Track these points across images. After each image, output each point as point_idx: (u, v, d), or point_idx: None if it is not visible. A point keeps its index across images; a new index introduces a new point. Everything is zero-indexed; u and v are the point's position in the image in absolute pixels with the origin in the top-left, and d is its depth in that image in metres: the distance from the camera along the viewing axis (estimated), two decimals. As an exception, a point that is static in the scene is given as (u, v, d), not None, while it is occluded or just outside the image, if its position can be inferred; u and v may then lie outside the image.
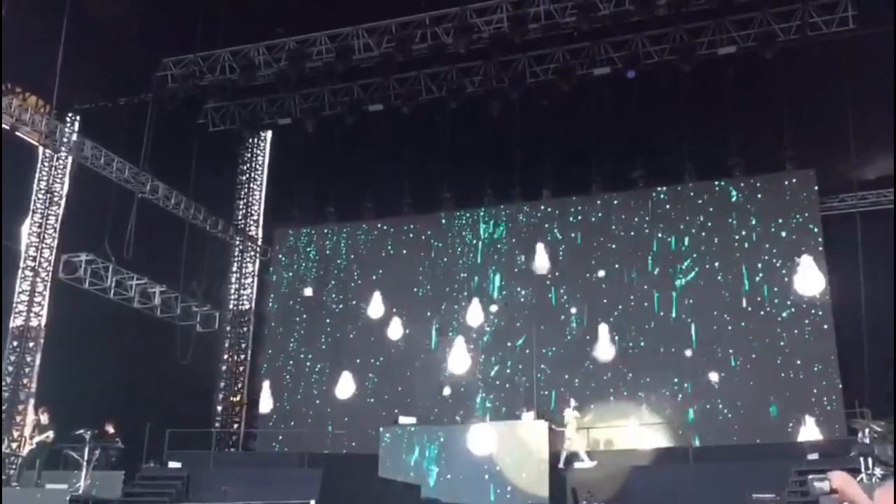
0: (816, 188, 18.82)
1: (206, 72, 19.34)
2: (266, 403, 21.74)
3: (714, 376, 18.31)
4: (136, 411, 17.94)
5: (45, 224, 19.31)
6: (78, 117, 20.13)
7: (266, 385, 21.83)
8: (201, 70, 19.28)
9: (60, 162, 19.67)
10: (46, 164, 19.64)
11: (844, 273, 17.04)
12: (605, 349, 19.12)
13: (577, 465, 16.10)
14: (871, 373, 15.51)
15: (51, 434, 15.02)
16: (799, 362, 17.73)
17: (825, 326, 17.80)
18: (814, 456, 14.24)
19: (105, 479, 15.03)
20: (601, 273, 19.68)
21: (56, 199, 19.61)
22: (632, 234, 19.88)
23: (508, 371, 19.86)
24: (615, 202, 20.25)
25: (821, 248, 18.27)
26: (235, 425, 22.39)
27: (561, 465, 16.07)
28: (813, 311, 18.01)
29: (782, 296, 18.29)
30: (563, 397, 18.34)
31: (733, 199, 19.40)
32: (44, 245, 19.19)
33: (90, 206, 18.87)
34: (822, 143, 18.15)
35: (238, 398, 22.39)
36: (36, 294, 18.84)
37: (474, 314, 20.08)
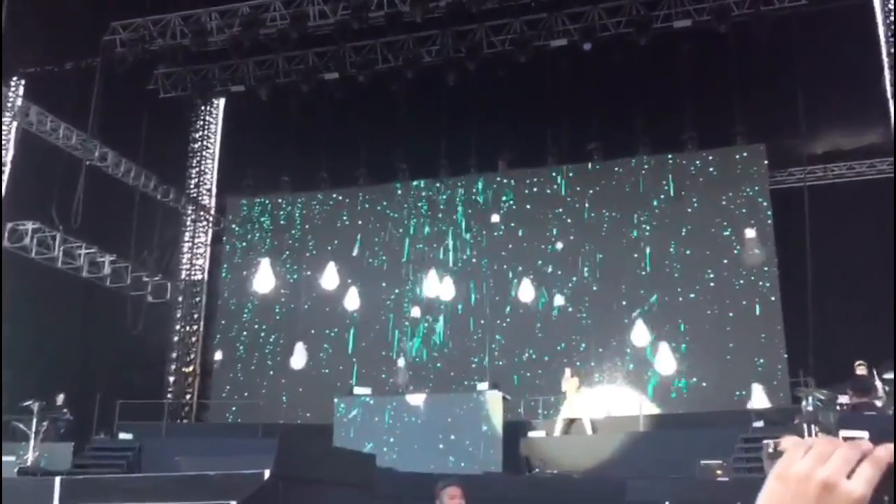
0: (766, 162, 19.17)
1: (157, 36, 18.89)
2: (219, 374, 21.59)
3: (664, 346, 18.66)
4: (86, 382, 17.73)
5: (-11, 191, 18.78)
6: (23, 81, 19.54)
7: (219, 356, 21.66)
8: (151, 34, 18.83)
9: (5, 128, 19.10)
10: (-10, 129, 19.06)
11: (792, 246, 17.43)
12: (560, 321, 19.34)
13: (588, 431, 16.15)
14: (815, 343, 15.95)
15: (-3, 406, 14.76)
16: (746, 333, 18.15)
17: (772, 298, 18.23)
18: (759, 423, 14.61)
19: (54, 450, 14.85)
20: (558, 245, 19.85)
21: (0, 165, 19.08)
22: (587, 205, 20.05)
23: (463, 341, 19.98)
24: (571, 174, 20.38)
25: (769, 221, 18.65)
26: (188, 396, 22.21)
27: (557, 434, 16.22)
28: (761, 284, 18.41)
29: (731, 268, 18.66)
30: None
31: (686, 173, 19.66)
32: (-12, 213, 18.68)
33: (36, 174, 18.40)
34: (772, 118, 18.46)
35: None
36: (-20, 263, 18.35)
37: (430, 285, 20.12)
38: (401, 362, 19.98)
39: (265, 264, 21.59)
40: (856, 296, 16.77)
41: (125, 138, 19.01)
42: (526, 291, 19.77)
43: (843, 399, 13.25)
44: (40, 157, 18.29)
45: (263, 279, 21.47)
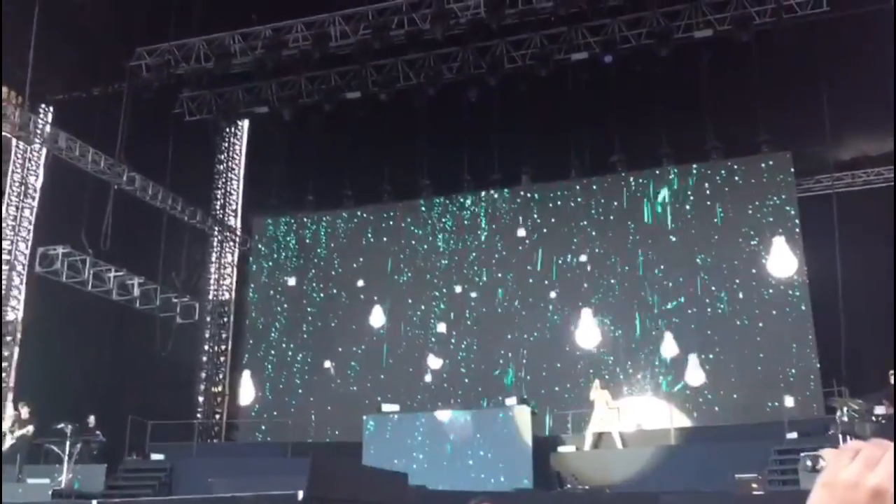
0: (793, 170, 18.99)
1: (181, 60, 19.13)
2: (248, 394, 21.68)
3: (693, 358, 18.49)
4: (117, 404, 17.87)
5: (20, 217, 19.08)
6: (51, 108, 19.87)
7: (247, 375, 21.76)
8: (176, 59, 19.07)
9: (34, 154, 19.42)
10: (20, 156, 19.38)
11: (821, 254, 17.24)
12: (587, 334, 19.23)
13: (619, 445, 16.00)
14: (848, 352, 15.73)
15: (31, 428, 14.92)
16: (777, 343, 17.93)
17: (802, 307, 18.01)
18: (793, 435, 14.42)
19: (87, 472, 14.98)
20: (582, 258, 19.77)
21: (31, 191, 19.38)
22: (611, 218, 19.97)
23: (490, 357, 19.91)
24: (594, 187, 20.32)
25: (797, 230, 18.46)
26: (217, 416, 22.32)
27: (587, 448, 16.10)
28: (790, 293, 18.21)
29: (760, 278, 18.48)
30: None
31: (711, 183, 19.53)
32: (19, 238, 18.97)
33: (66, 199, 18.66)
34: (797, 125, 18.32)
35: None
36: (12, 288, 18.63)
37: (456, 301, 20.10)
38: (428, 379, 19.97)
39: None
40: (888, 303, 16.51)
41: (152, 162, 19.24)
42: (552, 305, 19.72)
43: (879, 410, 13.03)
44: (69, 183, 18.55)
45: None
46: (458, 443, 16.05)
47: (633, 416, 17.96)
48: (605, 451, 16.05)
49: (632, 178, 20.01)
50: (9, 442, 15.22)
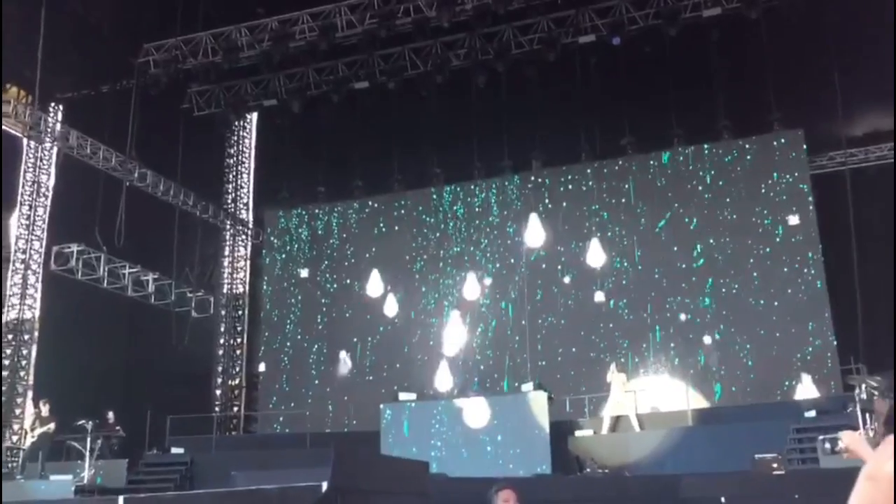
0: (805, 147, 18.86)
1: (189, 55, 19.15)
2: (264, 386, 21.79)
3: (708, 339, 18.46)
4: (136, 399, 18.02)
5: (34, 216, 19.18)
6: (61, 107, 19.93)
7: (263, 367, 21.87)
8: (183, 54, 19.09)
9: (46, 153, 19.49)
10: (32, 155, 19.47)
11: (836, 230, 17.14)
12: (602, 317, 19.21)
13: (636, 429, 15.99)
14: (865, 329, 15.65)
15: (52, 426, 15.06)
16: (793, 321, 17.87)
17: (818, 285, 17.93)
18: (811, 413, 14.40)
19: (109, 467, 15.12)
20: (594, 241, 19.70)
21: (43, 190, 19.47)
22: (623, 201, 19.89)
23: (505, 343, 19.93)
24: (605, 170, 20.25)
25: (811, 207, 18.35)
26: (235, 408, 22.46)
27: (604, 431, 16.13)
28: (805, 271, 18.13)
29: (775, 257, 18.40)
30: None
31: (723, 162, 19.42)
32: (33, 237, 19.07)
33: (78, 196, 18.76)
34: (808, 102, 18.19)
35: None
36: (28, 286, 18.75)
37: (470, 288, 20.10)
38: (443, 366, 20.01)
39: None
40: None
41: (163, 157, 19.30)
42: (567, 289, 19.70)
43: (900, 387, 12.95)
44: (82, 181, 18.63)
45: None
46: (475, 429, 16.09)
47: (649, 399, 17.95)
48: (622, 435, 16.06)
49: (643, 160, 19.91)
50: (30, 440, 15.36)
